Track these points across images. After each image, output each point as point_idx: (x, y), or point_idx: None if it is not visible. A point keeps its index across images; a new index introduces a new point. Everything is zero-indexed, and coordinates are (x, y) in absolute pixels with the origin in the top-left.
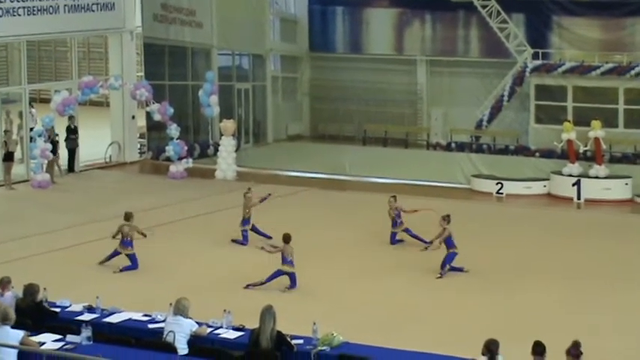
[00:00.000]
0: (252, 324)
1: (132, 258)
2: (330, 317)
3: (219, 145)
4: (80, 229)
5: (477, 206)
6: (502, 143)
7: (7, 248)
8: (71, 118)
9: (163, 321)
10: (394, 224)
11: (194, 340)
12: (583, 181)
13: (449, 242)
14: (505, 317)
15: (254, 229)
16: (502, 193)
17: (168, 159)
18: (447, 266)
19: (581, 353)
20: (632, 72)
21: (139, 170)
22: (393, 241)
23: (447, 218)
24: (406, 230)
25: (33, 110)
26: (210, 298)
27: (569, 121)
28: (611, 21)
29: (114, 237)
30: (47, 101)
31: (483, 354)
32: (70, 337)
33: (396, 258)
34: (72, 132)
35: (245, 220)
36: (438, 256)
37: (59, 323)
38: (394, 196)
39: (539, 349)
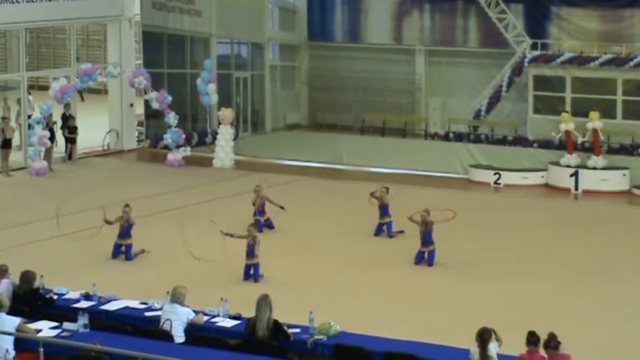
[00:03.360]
0: (249, 313)
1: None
2: (327, 306)
3: (217, 133)
4: (77, 216)
5: (475, 196)
6: (500, 133)
7: (5, 235)
8: (67, 105)
9: (160, 309)
10: (382, 215)
11: (191, 329)
12: (581, 171)
13: (428, 237)
14: (500, 307)
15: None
16: (500, 184)
17: (166, 147)
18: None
19: (559, 343)
20: (631, 63)
21: (136, 158)
22: (378, 232)
23: (427, 211)
24: (388, 225)
25: (30, 97)
26: (207, 286)
27: (567, 112)
28: (610, 12)
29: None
30: (45, 88)
31: (476, 343)
32: (66, 325)
33: (392, 248)
34: (68, 119)
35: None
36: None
37: (56, 310)
38: (387, 188)
39: (533, 339)
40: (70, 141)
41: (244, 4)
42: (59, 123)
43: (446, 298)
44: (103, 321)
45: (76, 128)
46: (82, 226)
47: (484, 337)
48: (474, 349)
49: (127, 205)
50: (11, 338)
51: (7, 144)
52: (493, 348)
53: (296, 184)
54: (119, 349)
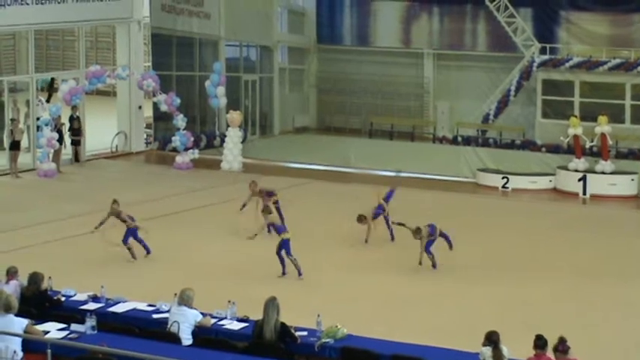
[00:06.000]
0: (256, 315)
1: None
2: (334, 309)
3: (225, 136)
4: (85, 218)
5: (483, 200)
6: (508, 137)
7: (13, 236)
8: (74, 107)
9: (168, 311)
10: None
11: (198, 331)
12: (589, 176)
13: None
14: (508, 310)
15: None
16: (508, 188)
17: (175, 149)
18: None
19: (569, 347)
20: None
21: (144, 160)
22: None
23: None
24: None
25: (42, 99)
26: (215, 288)
27: (575, 116)
28: (619, 17)
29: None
30: (54, 90)
31: (485, 345)
32: (74, 326)
33: (399, 251)
34: (72, 121)
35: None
36: (440, 249)
37: (63, 312)
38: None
39: (540, 342)
40: (75, 143)
41: (253, 6)
42: (67, 125)
43: (453, 301)
44: (110, 323)
45: (79, 130)
46: (89, 228)
47: (493, 338)
48: (485, 349)
49: (114, 201)
50: (19, 340)
51: (15, 146)
52: (506, 349)
53: (304, 187)
54: (126, 350)
